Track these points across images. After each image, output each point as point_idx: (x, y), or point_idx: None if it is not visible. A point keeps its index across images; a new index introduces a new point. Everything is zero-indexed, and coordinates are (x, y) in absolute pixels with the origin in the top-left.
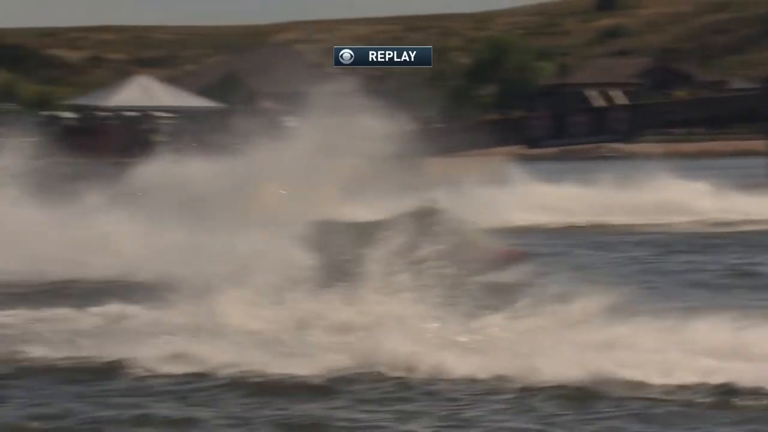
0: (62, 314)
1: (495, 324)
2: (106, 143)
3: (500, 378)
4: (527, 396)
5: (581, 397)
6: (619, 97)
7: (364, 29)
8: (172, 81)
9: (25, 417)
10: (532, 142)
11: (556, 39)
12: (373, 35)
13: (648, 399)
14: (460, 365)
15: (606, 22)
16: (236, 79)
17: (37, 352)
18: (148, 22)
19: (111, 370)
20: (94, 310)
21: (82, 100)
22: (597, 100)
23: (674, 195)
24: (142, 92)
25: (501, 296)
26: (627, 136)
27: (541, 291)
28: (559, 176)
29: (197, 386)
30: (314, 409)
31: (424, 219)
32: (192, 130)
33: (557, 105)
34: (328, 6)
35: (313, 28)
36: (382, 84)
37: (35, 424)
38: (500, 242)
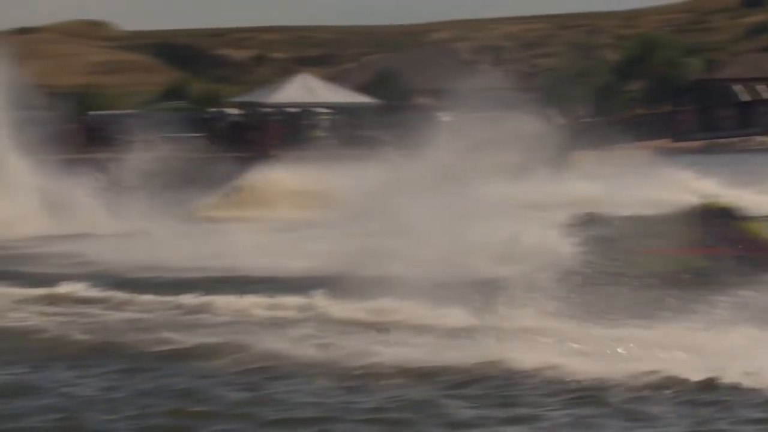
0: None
1: None
2: (269, 138)
3: None
4: None
5: None
6: (766, 92)
7: (515, 27)
8: (332, 78)
9: None
10: (679, 136)
11: (705, 35)
12: (523, 33)
13: None
14: None
15: (754, 18)
16: (393, 77)
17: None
18: (309, 23)
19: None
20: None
21: (247, 98)
22: (743, 94)
23: None
24: (303, 89)
25: None
26: None
27: None
28: (707, 169)
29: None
30: None
31: (712, 215)
32: (350, 125)
33: (704, 100)
34: (481, 5)
35: (467, 27)
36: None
37: None
38: None
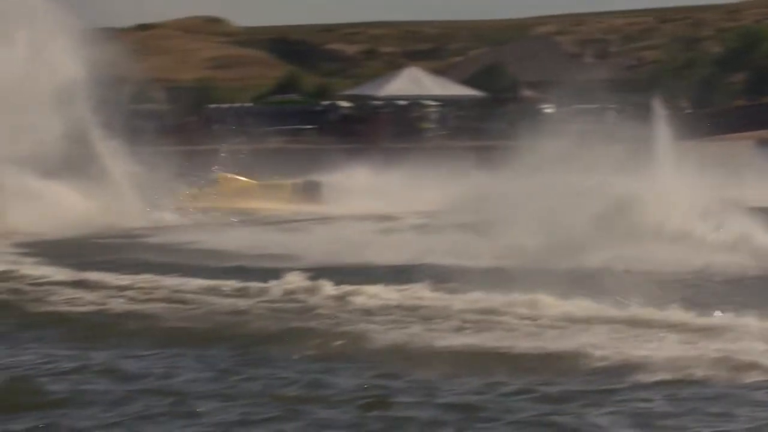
0: None
1: None
2: (378, 129)
3: None
4: None
5: None
6: None
7: (619, 21)
8: (439, 72)
9: None
10: None
11: None
12: (626, 27)
13: None
14: None
15: None
16: (498, 69)
17: None
18: (417, 18)
19: None
20: None
21: (357, 91)
22: None
23: None
24: (411, 82)
25: None
26: None
27: None
28: None
29: None
30: None
31: None
32: (457, 117)
33: None
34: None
35: (571, 21)
36: (636, 73)
37: None
38: None
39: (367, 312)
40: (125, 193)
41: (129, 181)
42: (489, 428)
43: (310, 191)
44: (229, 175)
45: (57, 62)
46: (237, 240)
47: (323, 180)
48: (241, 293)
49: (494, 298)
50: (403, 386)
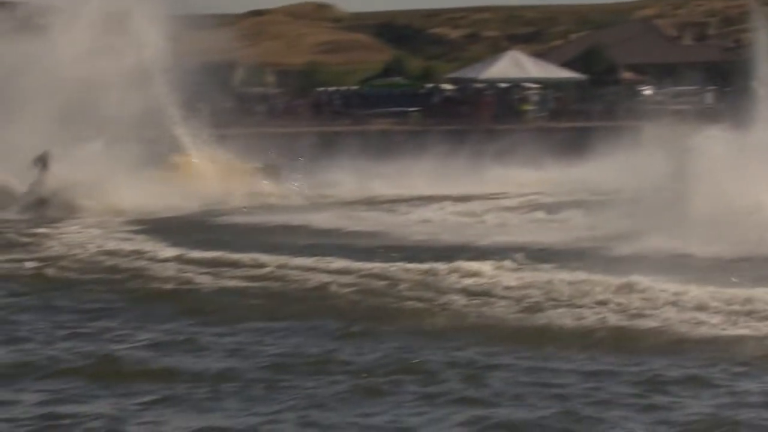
0: None
1: None
2: (480, 111)
3: None
4: None
5: None
6: None
7: (719, 4)
8: (540, 55)
9: None
10: None
11: None
12: (727, 10)
13: None
14: None
15: None
16: (598, 52)
17: None
18: (520, 2)
19: None
20: None
21: (460, 74)
22: None
23: None
24: (513, 65)
25: None
26: None
27: None
28: None
29: None
30: None
31: None
32: (557, 99)
33: None
34: None
35: (671, 4)
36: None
37: None
38: None
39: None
40: (211, 176)
41: (221, 164)
42: None
43: (270, 174)
44: (185, 156)
45: (163, 48)
46: (335, 220)
47: (283, 163)
48: (444, 276)
49: None
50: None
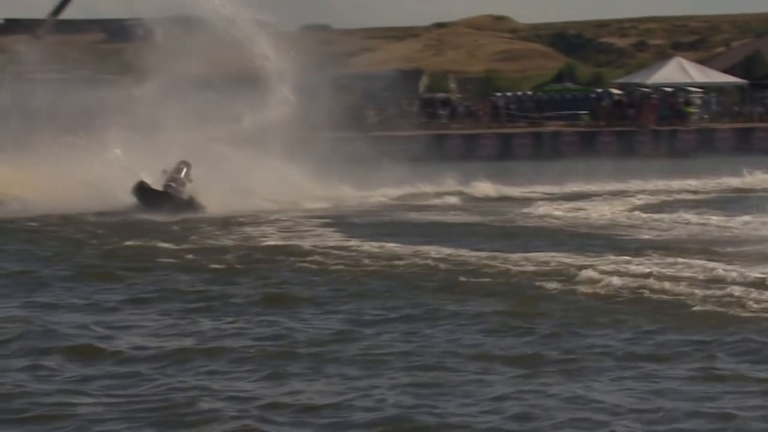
0: None
1: None
2: (646, 114)
3: None
4: None
5: None
6: None
7: None
8: (703, 61)
9: None
10: None
11: None
12: None
13: None
14: None
15: None
16: (759, 58)
17: None
18: (684, 13)
19: None
20: None
21: (628, 79)
22: None
23: None
24: (677, 71)
25: None
26: None
27: None
28: None
29: None
30: None
31: None
32: (719, 102)
33: None
34: None
35: None
36: None
37: None
38: None
39: None
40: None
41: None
42: None
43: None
44: None
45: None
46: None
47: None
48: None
49: None
50: None
